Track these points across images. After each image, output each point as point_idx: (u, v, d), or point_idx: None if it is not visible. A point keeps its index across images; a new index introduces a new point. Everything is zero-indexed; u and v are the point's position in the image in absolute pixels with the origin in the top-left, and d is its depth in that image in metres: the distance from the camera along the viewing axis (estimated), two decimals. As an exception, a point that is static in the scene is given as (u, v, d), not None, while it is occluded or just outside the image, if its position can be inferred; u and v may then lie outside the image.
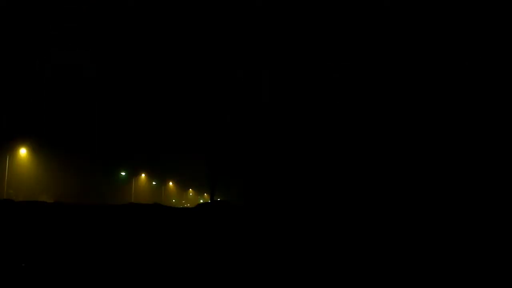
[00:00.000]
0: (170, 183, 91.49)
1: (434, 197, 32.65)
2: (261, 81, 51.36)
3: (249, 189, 56.15)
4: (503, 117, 33.81)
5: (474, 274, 6.15)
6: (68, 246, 7.49)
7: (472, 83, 35.49)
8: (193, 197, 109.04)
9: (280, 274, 5.38)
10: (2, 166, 43.78)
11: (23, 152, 48.63)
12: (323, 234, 13.88)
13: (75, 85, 52.65)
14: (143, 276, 4.94)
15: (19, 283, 4.51)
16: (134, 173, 71.66)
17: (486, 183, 30.72)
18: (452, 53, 37.14)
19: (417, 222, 20.68)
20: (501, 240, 11.96)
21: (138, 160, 69.37)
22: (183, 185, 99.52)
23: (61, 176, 52.53)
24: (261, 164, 55.35)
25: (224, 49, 50.86)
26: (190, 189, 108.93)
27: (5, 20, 42.72)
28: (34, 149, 49.38)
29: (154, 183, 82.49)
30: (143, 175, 75.85)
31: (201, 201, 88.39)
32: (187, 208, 45.11)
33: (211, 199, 42.17)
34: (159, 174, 79.54)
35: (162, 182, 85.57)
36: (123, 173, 68.93)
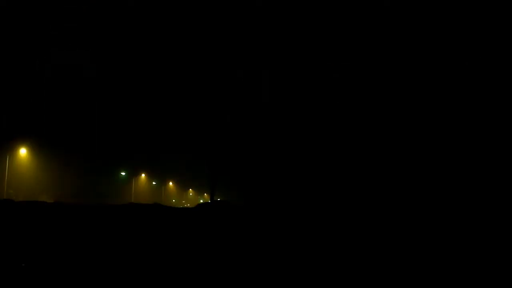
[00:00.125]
0: (170, 183, 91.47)
1: (434, 197, 32.65)
2: (261, 81, 51.36)
3: (249, 189, 56.16)
4: (503, 117, 33.81)
5: (474, 274, 6.16)
6: (68, 246, 7.49)
7: (472, 83, 35.48)
8: (193, 197, 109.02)
9: (280, 274, 5.39)
10: (2, 166, 43.77)
11: (23, 152, 48.62)
12: (323, 234, 13.88)
13: (75, 85, 52.65)
14: (143, 276, 4.93)
15: (19, 283, 4.51)
16: (134, 173, 71.65)
17: (486, 183, 30.72)
18: (452, 53, 37.14)
19: (417, 222, 20.67)
20: (501, 240, 11.96)
21: (138, 160, 69.37)
22: (183, 185, 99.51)
23: (61, 176, 52.54)
24: (261, 164, 55.36)
25: (224, 49, 50.86)
26: (190, 189, 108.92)
27: (5, 20, 42.71)
28: (34, 149, 49.38)
29: (154, 183, 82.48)
30: (143, 175, 75.83)
31: (201, 201, 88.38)
32: (187, 208, 45.10)
33: (211, 199, 42.16)
34: (159, 174, 79.54)
35: (162, 182, 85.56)
36: (123, 173, 68.93)
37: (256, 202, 46.30)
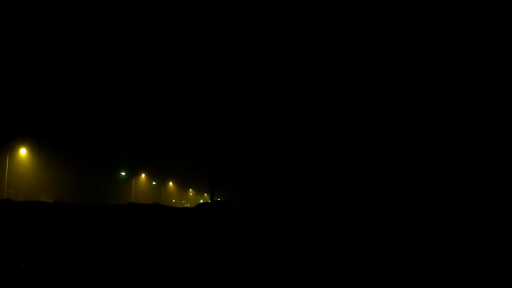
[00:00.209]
0: (170, 183, 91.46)
1: (434, 197, 32.64)
2: (261, 81, 51.37)
3: (249, 189, 56.15)
4: (503, 117, 33.80)
5: (474, 274, 6.16)
6: (68, 246, 7.49)
7: (472, 83, 35.48)
8: (193, 197, 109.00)
9: (280, 274, 5.39)
10: (2, 166, 43.76)
11: (23, 152, 48.62)
12: (323, 234, 13.88)
13: (75, 85, 52.65)
14: (144, 276, 4.94)
15: (19, 283, 4.51)
16: (134, 173, 71.64)
17: (486, 183, 30.71)
18: (452, 53, 37.13)
19: (417, 222, 20.67)
20: (501, 240, 11.96)
21: (138, 160, 69.36)
22: (183, 185, 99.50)
23: (61, 176, 52.53)
24: (261, 164, 55.36)
25: (224, 49, 50.86)
26: (190, 189, 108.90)
27: (5, 20, 42.71)
28: (34, 149, 49.37)
29: (154, 183, 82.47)
30: (143, 175, 75.82)
31: (201, 201, 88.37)
32: (187, 208, 45.10)
33: (211, 199, 42.15)
34: (159, 174, 79.53)
35: (162, 182, 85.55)
36: (123, 173, 68.92)
37: (256, 202, 46.30)
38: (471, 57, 35.55)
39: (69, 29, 46.81)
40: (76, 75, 51.20)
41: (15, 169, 46.84)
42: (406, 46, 39.82)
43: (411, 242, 11.14)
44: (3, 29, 42.99)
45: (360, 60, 43.50)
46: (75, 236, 9.53)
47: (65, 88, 51.43)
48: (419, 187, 35.31)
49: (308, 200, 44.13)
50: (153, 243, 8.62)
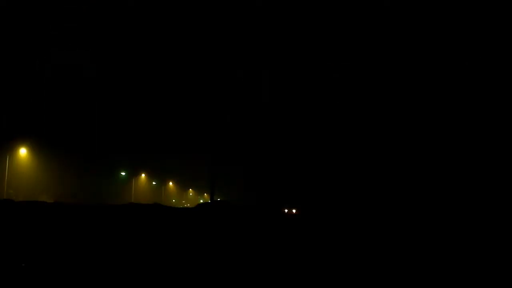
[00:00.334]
0: (170, 183, 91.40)
1: (434, 197, 32.64)
2: (261, 81, 51.37)
3: (249, 189, 56.16)
4: (503, 117, 33.80)
5: (474, 274, 6.16)
6: (68, 246, 7.50)
7: (472, 83, 35.47)
8: (193, 197, 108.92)
9: (280, 274, 5.39)
10: (2, 166, 43.73)
11: (23, 152, 48.57)
12: (323, 234, 13.89)
13: (75, 85, 52.66)
14: (144, 276, 4.94)
15: (19, 283, 4.51)
16: (134, 173, 71.56)
17: (486, 183, 30.71)
18: (452, 53, 37.13)
19: (417, 222, 20.68)
20: (501, 240, 11.97)
21: (138, 160, 69.33)
22: (183, 185, 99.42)
23: (61, 176, 52.47)
24: (261, 163, 55.35)
25: (224, 49, 50.87)
26: (190, 189, 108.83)
27: (5, 20, 42.71)
28: (34, 149, 49.32)
29: (154, 183, 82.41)
30: (143, 175, 75.77)
31: (201, 201, 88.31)
32: (187, 208, 45.06)
33: (211, 199, 42.13)
34: (159, 174, 79.47)
35: (162, 182, 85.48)
36: (123, 173, 68.84)
37: (256, 202, 46.29)
38: (471, 57, 35.53)
39: (69, 29, 46.82)
40: (76, 75, 51.21)
41: (15, 169, 46.79)
42: (406, 46, 39.80)
43: (411, 242, 11.17)
44: (3, 29, 43.00)
45: (360, 60, 43.50)
46: (75, 236, 9.54)
47: (65, 88, 51.44)
48: (418, 187, 35.31)
49: (308, 199, 44.15)
50: (153, 243, 8.63)
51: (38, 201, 31.78)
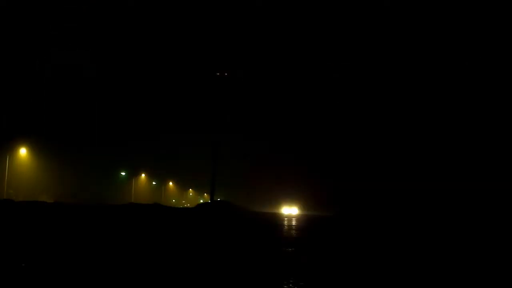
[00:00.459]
0: (170, 183, 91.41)
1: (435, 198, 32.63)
2: (261, 81, 51.37)
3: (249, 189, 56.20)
4: (503, 117, 33.79)
5: (474, 274, 6.16)
6: (68, 246, 7.49)
7: (472, 83, 35.46)
8: (193, 197, 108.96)
9: (280, 274, 5.38)
10: (2, 166, 43.74)
11: (23, 152, 48.59)
12: (324, 234, 13.89)
13: (75, 85, 52.68)
14: (143, 276, 4.93)
15: (19, 283, 4.50)
16: (134, 173, 71.58)
17: (486, 182, 30.70)
18: (452, 53, 37.11)
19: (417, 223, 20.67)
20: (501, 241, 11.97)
21: (138, 160, 69.37)
22: (183, 185, 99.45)
23: (61, 176, 52.50)
24: (261, 163, 55.37)
25: (224, 49, 50.85)
26: (190, 189, 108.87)
27: (5, 20, 42.71)
28: (34, 149, 49.34)
29: (154, 183, 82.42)
30: (143, 175, 75.78)
31: (201, 201, 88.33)
32: (187, 208, 45.11)
33: (211, 199, 42.13)
34: (159, 174, 79.51)
35: (162, 182, 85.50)
36: (123, 173, 68.87)
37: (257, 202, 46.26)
38: (471, 57, 35.52)
39: (69, 29, 46.82)
40: (76, 75, 51.22)
41: (15, 169, 46.80)
42: (406, 46, 39.78)
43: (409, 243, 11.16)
44: (3, 29, 43.00)
45: (360, 60, 43.49)
46: (75, 236, 9.53)
47: (65, 88, 51.46)
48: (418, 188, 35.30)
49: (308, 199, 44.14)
50: (153, 243, 8.62)
51: (38, 201, 31.86)
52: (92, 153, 56.50)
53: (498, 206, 25.64)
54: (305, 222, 20.46)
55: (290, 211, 39.01)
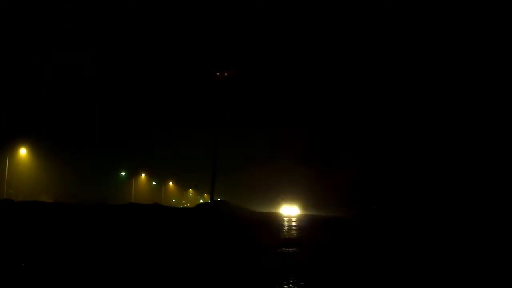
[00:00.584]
0: (170, 183, 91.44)
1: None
2: (261, 81, 51.38)
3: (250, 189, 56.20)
4: (503, 117, 33.78)
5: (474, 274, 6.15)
6: (68, 246, 7.49)
7: (472, 83, 35.45)
8: (193, 197, 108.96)
9: (280, 274, 5.38)
10: (2, 166, 43.75)
11: (23, 152, 48.59)
12: (324, 235, 13.89)
13: (75, 85, 52.69)
14: (143, 276, 4.94)
15: (19, 283, 4.51)
16: (134, 173, 71.62)
17: (487, 182, 30.69)
18: (452, 53, 37.11)
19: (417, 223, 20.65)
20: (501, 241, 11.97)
21: (138, 160, 69.40)
22: (183, 185, 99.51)
23: (61, 176, 52.52)
24: (261, 163, 55.37)
25: (224, 49, 50.84)
26: (190, 189, 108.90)
27: (5, 20, 42.71)
28: (34, 149, 49.35)
29: (154, 183, 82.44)
30: (143, 175, 75.80)
31: (201, 201, 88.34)
32: (187, 208, 45.08)
33: (211, 199, 42.11)
34: (159, 174, 79.56)
35: (162, 182, 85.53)
36: (123, 173, 68.89)
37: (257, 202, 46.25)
38: (471, 57, 35.53)
39: (69, 29, 46.84)
40: (76, 75, 51.23)
41: (15, 169, 46.80)
42: (406, 46, 39.79)
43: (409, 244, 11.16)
44: (3, 29, 42.99)
45: (360, 60, 43.49)
46: (75, 236, 9.53)
47: (65, 88, 51.46)
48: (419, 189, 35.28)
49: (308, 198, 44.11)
50: (153, 243, 8.62)
51: (38, 201, 31.85)
52: (92, 153, 56.54)
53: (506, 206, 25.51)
54: (305, 222, 20.42)
55: (290, 210, 38.78)
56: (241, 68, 48.32)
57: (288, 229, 14.61)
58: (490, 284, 5.42)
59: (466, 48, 35.54)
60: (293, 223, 18.87)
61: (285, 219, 23.32)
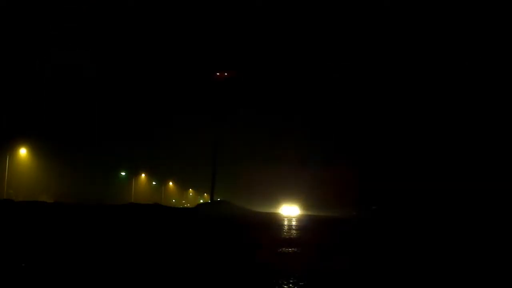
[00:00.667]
0: (170, 183, 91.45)
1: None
2: (262, 81, 51.38)
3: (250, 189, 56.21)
4: (503, 117, 33.78)
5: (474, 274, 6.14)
6: (68, 246, 7.48)
7: (472, 83, 35.45)
8: (193, 197, 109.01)
9: (280, 274, 5.37)
10: (2, 166, 43.75)
11: (23, 152, 48.59)
12: (324, 235, 13.88)
13: (75, 85, 52.70)
14: (143, 276, 4.93)
15: (19, 283, 4.50)
16: (134, 173, 71.62)
17: (486, 183, 30.69)
18: (452, 53, 37.11)
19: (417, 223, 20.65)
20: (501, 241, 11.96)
21: (138, 160, 69.41)
22: (183, 185, 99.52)
23: (61, 176, 52.51)
24: (261, 162, 55.38)
25: (224, 49, 50.85)
26: (190, 189, 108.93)
27: (5, 20, 42.71)
28: (34, 149, 49.34)
29: (154, 183, 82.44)
30: (143, 175, 75.81)
31: (201, 201, 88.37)
32: (187, 208, 45.10)
33: (211, 199, 42.12)
34: (159, 174, 79.57)
35: (162, 182, 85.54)
36: (123, 173, 68.89)
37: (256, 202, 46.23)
38: (471, 57, 35.52)
39: (69, 29, 46.84)
40: (76, 75, 51.24)
41: (15, 169, 46.81)
42: (406, 46, 39.78)
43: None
44: (3, 29, 42.99)
45: (360, 60, 43.50)
46: (75, 236, 9.52)
47: (65, 88, 51.47)
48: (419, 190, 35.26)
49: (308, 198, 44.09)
50: (153, 243, 8.61)
51: (38, 201, 31.87)
52: (92, 153, 56.53)
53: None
54: (305, 222, 20.40)
55: (290, 210, 38.69)
56: (241, 68, 48.29)
57: (288, 229, 14.57)
58: (490, 284, 5.41)
59: (466, 48, 35.54)
60: (293, 223, 18.83)
61: (285, 219, 23.26)
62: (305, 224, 18.48)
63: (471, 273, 6.10)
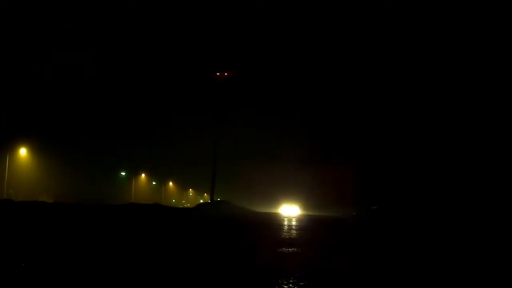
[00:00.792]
0: (170, 183, 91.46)
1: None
2: (262, 81, 51.39)
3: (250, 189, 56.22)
4: (503, 117, 33.79)
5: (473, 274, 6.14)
6: (68, 246, 7.48)
7: (472, 83, 35.45)
8: (193, 197, 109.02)
9: (280, 274, 5.37)
10: (2, 166, 43.75)
11: (23, 152, 48.58)
12: (324, 235, 13.87)
13: (75, 85, 52.70)
14: (143, 276, 4.93)
15: (19, 283, 4.50)
16: (134, 173, 71.62)
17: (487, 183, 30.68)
18: (452, 53, 37.11)
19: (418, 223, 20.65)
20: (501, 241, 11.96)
21: (138, 160, 69.40)
22: (183, 185, 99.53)
23: (61, 176, 52.52)
24: (261, 162, 55.39)
25: (224, 49, 50.87)
26: (190, 189, 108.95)
27: (5, 20, 42.71)
28: (34, 149, 49.34)
29: (154, 183, 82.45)
30: (143, 175, 75.81)
31: (201, 201, 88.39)
32: (187, 208, 45.11)
33: (211, 199, 42.12)
34: (159, 174, 79.58)
35: (162, 182, 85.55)
36: (123, 173, 68.89)
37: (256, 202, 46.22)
38: (471, 57, 35.53)
39: (69, 29, 46.85)
40: (76, 75, 51.25)
41: (15, 169, 46.80)
42: (406, 46, 39.79)
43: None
44: (4, 29, 42.99)
45: (360, 61, 43.51)
46: (75, 236, 9.52)
47: (65, 88, 51.48)
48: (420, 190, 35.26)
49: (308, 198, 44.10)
50: (153, 243, 8.61)
51: (38, 201, 31.88)
52: (92, 153, 56.54)
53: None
54: (306, 222, 20.40)
55: (290, 210, 38.67)
56: (241, 68, 48.28)
57: (288, 229, 14.57)
58: (490, 284, 5.41)
59: (466, 48, 35.54)
60: (293, 223, 18.82)
61: (285, 219, 23.26)
62: (305, 224, 18.46)
63: (471, 273, 6.10)
